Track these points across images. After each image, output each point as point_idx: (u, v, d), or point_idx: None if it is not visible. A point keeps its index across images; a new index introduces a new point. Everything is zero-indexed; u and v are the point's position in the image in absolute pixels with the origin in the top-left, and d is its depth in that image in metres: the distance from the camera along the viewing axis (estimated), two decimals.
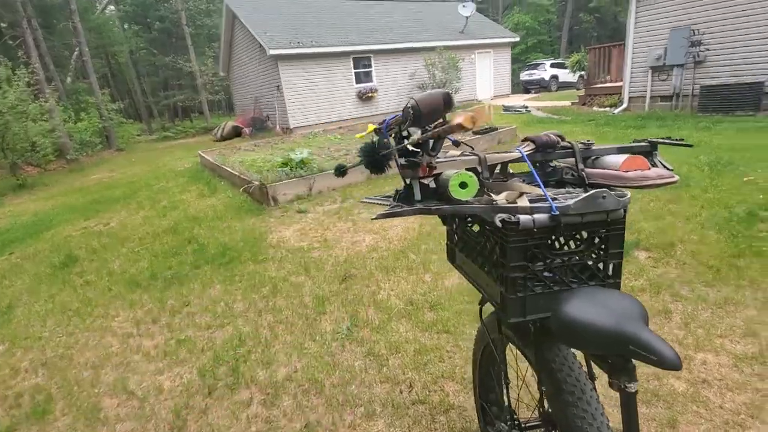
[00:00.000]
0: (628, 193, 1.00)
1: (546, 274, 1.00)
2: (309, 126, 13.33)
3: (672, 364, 0.74)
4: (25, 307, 3.44)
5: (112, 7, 28.68)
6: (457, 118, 0.88)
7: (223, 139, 14.65)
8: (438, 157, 1.04)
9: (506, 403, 1.27)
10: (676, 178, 1.11)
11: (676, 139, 1.25)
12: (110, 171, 11.01)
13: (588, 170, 1.15)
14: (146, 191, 7.39)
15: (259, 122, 14.69)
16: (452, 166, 1.06)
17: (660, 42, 8.89)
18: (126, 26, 29.09)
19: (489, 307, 1.32)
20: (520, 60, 26.34)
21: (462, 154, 1.15)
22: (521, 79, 20.82)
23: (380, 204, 1.15)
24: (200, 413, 2.03)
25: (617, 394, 0.88)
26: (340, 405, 1.94)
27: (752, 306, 2.28)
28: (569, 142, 1.17)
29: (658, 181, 1.09)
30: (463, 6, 16.27)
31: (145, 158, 12.88)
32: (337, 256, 3.60)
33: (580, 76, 15.43)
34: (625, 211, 0.99)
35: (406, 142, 0.98)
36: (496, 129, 7.59)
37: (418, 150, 1.00)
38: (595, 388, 1.03)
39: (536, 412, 1.28)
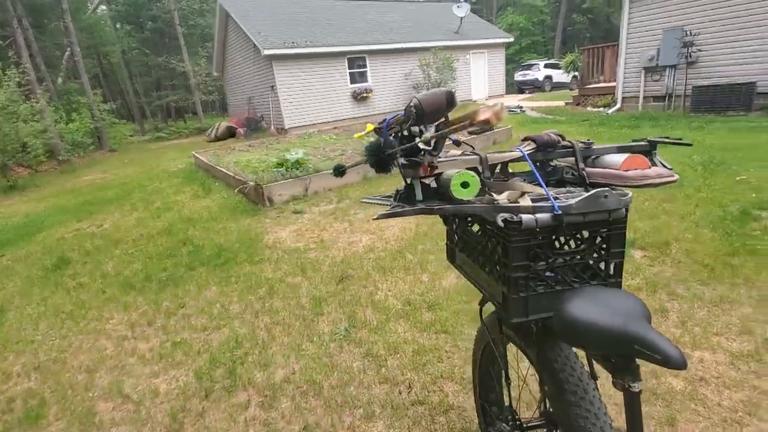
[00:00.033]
0: (630, 192, 1.00)
1: (548, 273, 1.00)
2: (304, 126, 13.29)
3: (677, 364, 0.74)
4: (17, 311, 3.39)
5: (103, 7, 28.41)
6: (483, 113, 0.84)
7: (217, 139, 14.57)
8: (439, 157, 1.04)
9: (508, 403, 1.27)
10: (676, 177, 1.12)
11: (675, 138, 1.25)
12: (103, 172, 10.90)
13: (588, 169, 1.15)
14: (140, 192, 7.33)
15: (253, 123, 14.62)
16: (453, 166, 1.06)
17: (653, 43, 8.97)
18: (118, 26, 28.82)
19: (489, 307, 1.32)
20: (514, 60, 26.45)
21: (463, 154, 1.14)
22: (515, 79, 20.91)
23: (380, 204, 1.14)
24: (197, 416, 2.00)
25: (616, 394, 0.88)
26: (339, 406, 1.93)
27: (747, 304, 2.30)
28: (569, 142, 1.17)
29: (658, 180, 1.09)
30: (458, 6, 16.32)
31: (138, 159, 12.77)
32: (333, 257, 3.58)
33: (574, 77, 15.52)
34: (626, 210, 0.99)
35: (417, 139, 0.96)
36: (492, 129, 7.60)
37: (423, 149, 0.99)
38: (597, 388, 1.03)
39: (537, 411, 1.28)
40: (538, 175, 1.03)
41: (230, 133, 14.68)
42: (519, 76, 20.72)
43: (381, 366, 2.16)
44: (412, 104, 0.91)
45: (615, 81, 10.12)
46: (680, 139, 1.26)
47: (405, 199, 1.05)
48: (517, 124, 9.29)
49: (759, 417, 1.59)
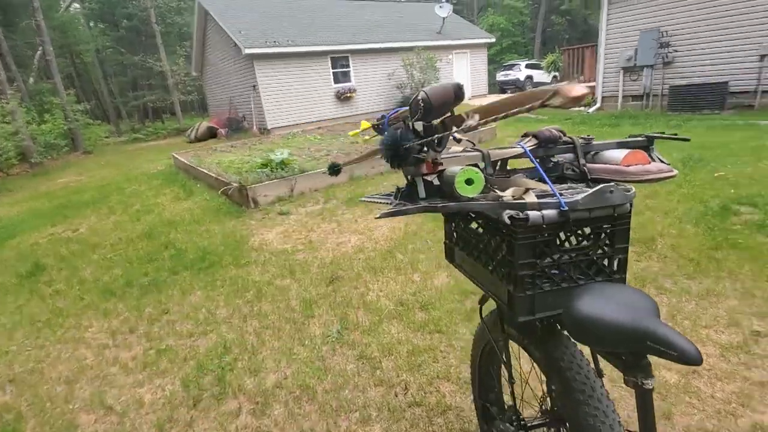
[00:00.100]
0: (633, 187, 0.99)
1: (553, 271, 0.98)
2: (287, 126, 13.14)
3: (693, 359, 0.73)
4: None
5: (76, 5, 27.51)
6: (576, 89, 0.72)
7: (198, 140, 14.26)
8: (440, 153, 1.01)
9: (512, 403, 1.25)
10: (675, 171, 1.12)
11: (672, 134, 1.26)
12: (78, 174, 10.54)
13: (589, 165, 1.14)
14: (117, 195, 7.10)
15: (235, 123, 14.37)
16: (455, 163, 1.03)
17: (630, 43, 9.19)
18: (92, 24, 27.98)
19: (489, 306, 1.30)
20: (496, 61, 26.75)
21: (464, 150, 1.12)
22: (497, 79, 21.13)
23: (380, 202, 1.10)
24: (185, 426, 1.93)
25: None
26: (334, 411, 1.88)
27: (732, 296, 2.35)
28: (570, 138, 1.16)
29: (659, 175, 1.09)
30: (440, 6, 16.39)
31: (115, 161, 12.40)
32: (322, 258, 3.53)
33: (554, 77, 15.80)
34: (631, 205, 0.98)
35: (456, 129, 0.93)
36: (477, 128, 7.65)
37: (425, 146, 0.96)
38: (603, 385, 1.02)
39: (538, 410, 1.27)
40: (542, 171, 1.01)
41: (211, 134, 14.40)
42: (501, 76, 20.95)
43: (375, 368, 2.12)
44: (419, 98, 0.88)
45: (594, 81, 10.33)
46: (676, 134, 1.27)
47: (407, 197, 1.02)
48: (501, 123, 9.37)
49: (752, 408, 1.61)
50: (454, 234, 1.27)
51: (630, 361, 0.85)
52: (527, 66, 20.39)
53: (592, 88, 10.45)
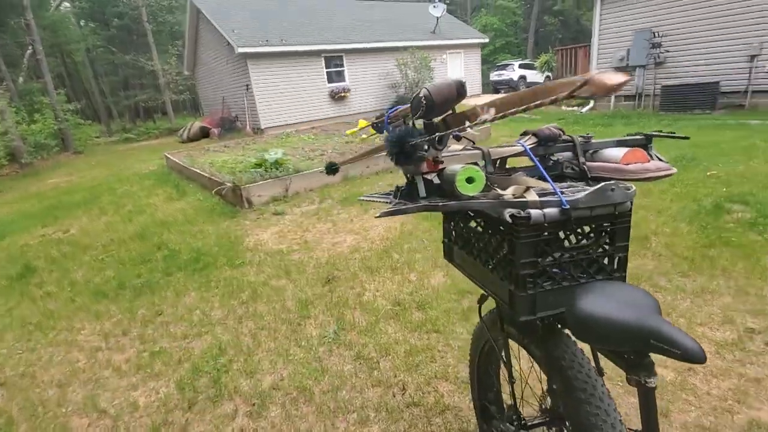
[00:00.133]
0: (633, 186, 0.99)
1: (554, 270, 0.98)
2: (281, 126, 13.08)
3: (697, 357, 0.72)
4: None
5: (67, 4, 27.18)
6: (613, 77, 0.63)
7: (190, 140, 14.14)
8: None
9: (512, 402, 1.25)
10: (674, 170, 1.12)
11: (670, 132, 1.26)
12: (68, 175, 10.40)
13: (588, 163, 1.14)
14: (109, 195, 7.01)
15: (228, 122, 14.28)
16: (454, 161, 1.02)
17: (623, 44, 9.26)
18: (82, 23, 27.66)
19: (488, 305, 1.29)
20: (489, 61, 26.85)
21: (464, 149, 1.11)
22: (491, 79, 21.20)
23: (379, 201, 1.09)
24: (180, 429, 1.90)
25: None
26: (332, 412, 1.87)
27: (726, 294, 2.37)
28: (569, 136, 1.16)
29: (659, 173, 1.09)
30: (434, 6, 16.40)
31: (106, 161, 12.26)
32: (318, 258, 3.51)
33: (547, 77, 15.88)
34: (631, 203, 0.98)
35: (481, 118, 0.88)
36: (471, 127, 7.66)
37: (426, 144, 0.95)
38: (604, 384, 1.01)
39: (538, 409, 1.27)
40: (542, 169, 1.01)
41: (203, 134, 14.28)
42: (494, 76, 21.02)
43: (373, 368, 2.11)
44: (421, 95, 0.87)
45: None
46: (673, 132, 1.27)
47: (407, 195, 1.01)
48: (495, 124, 9.39)
49: (748, 405, 1.63)
50: (453, 233, 1.27)
51: (633, 360, 0.85)
52: (520, 66, 20.48)
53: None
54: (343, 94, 14.27)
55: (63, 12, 26.27)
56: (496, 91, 20.42)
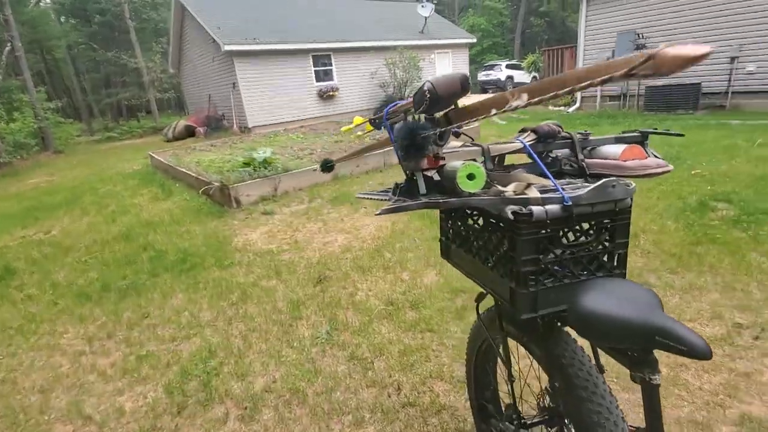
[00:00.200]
0: (633, 182, 0.99)
1: (555, 267, 0.97)
2: (269, 125, 12.95)
3: (703, 353, 0.72)
4: None
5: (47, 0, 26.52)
6: (687, 47, 0.51)
7: (175, 139, 13.91)
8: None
9: (511, 401, 1.24)
10: (671, 167, 1.12)
11: (666, 129, 1.27)
12: (49, 175, 10.12)
13: (587, 160, 1.14)
14: (91, 195, 6.84)
15: (214, 121, 14.07)
16: (454, 157, 1.00)
17: (608, 45, 9.40)
18: (63, 19, 26.98)
19: (486, 303, 1.28)
20: (477, 61, 27.03)
21: (463, 145, 1.10)
22: (479, 79, 21.36)
23: (378, 199, 1.07)
24: None
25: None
26: (326, 414, 1.84)
27: (714, 290, 2.41)
28: (568, 133, 1.15)
29: (658, 170, 1.09)
30: (422, 6, 16.43)
31: (88, 160, 11.97)
32: (309, 258, 3.47)
33: (534, 77, 16.05)
34: (631, 200, 0.97)
35: (512, 105, 0.76)
36: (460, 127, 7.69)
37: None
38: (605, 381, 1.01)
39: (537, 407, 1.26)
40: (543, 166, 1.00)
41: (189, 133, 14.06)
42: (482, 76, 21.18)
43: (367, 369, 2.09)
44: (425, 89, 0.85)
45: None
46: (669, 129, 1.28)
47: (406, 192, 0.99)
48: (484, 122, 9.46)
49: (739, 399, 1.65)
50: (451, 231, 1.25)
51: (637, 357, 0.84)
52: (507, 66, 20.69)
53: None
54: (331, 93, 14.19)
55: (43, 8, 25.59)
56: (484, 91, 20.57)
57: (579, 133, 1.17)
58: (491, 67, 21.25)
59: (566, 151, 1.18)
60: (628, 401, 1.70)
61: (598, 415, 0.93)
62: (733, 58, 7.92)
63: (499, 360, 1.30)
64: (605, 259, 1.01)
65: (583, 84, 0.64)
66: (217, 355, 2.36)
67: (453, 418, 1.73)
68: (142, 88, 22.23)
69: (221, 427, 1.85)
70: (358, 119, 1.35)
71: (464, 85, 0.85)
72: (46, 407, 2.11)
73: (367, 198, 1.09)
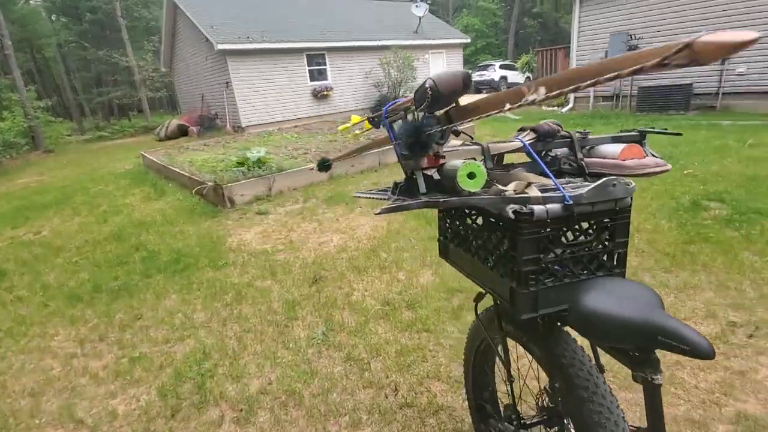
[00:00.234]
0: (632, 181, 0.99)
1: (556, 267, 0.96)
2: (262, 125, 12.87)
3: (706, 353, 0.72)
4: None
5: None
6: (729, 33, 0.46)
7: (168, 138, 13.78)
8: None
9: (510, 401, 1.23)
10: (669, 166, 1.12)
11: (663, 129, 1.27)
12: (39, 174, 9.98)
13: (587, 159, 1.13)
14: (82, 195, 6.75)
15: (207, 121, 13.96)
16: (454, 156, 1.00)
17: (601, 45, 9.47)
18: (53, 18, 26.63)
19: (485, 303, 1.27)
20: (470, 61, 27.11)
21: (463, 144, 1.09)
22: (472, 79, 21.41)
23: (377, 198, 1.06)
24: None
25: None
26: (323, 416, 1.82)
27: (708, 289, 2.43)
28: (567, 132, 1.15)
29: (656, 169, 1.09)
30: (416, 6, 16.43)
31: (79, 160, 11.82)
32: (304, 258, 3.44)
33: (527, 77, 16.12)
34: (631, 199, 0.97)
35: (529, 98, 0.72)
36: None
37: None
38: (605, 381, 1.00)
39: (536, 407, 1.26)
40: (543, 165, 1.00)
41: (181, 132, 13.93)
42: (476, 76, 21.21)
43: (364, 369, 2.07)
44: (427, 86, 0.84)
45: None
46: (666, 129, 1.28)
47: (405, 191, 0.98)
48: (478, 122, 9.46)
49: (734, 397, 1.66)
50: (449, 230, 1.24)
51: (638, 357, 0.84)
52: (501, 66, 20.75)
53: None
54: (325, 93, 14.15)
55: (33, 6, 25.25)
56: (478, 91, 20.59)
57: (578, 132, 1.16)
58: (485, 68, 21.31)
59: (565, 150, 1.18)
60: (626, 400, 1.70)
61: (598, 415, 0.93)
62: (723, 60, 8.00)
63: (497, 360, 1.29)
64: (605, 258, 1.01)
65: (609, 75, 0.58)
66: (211, 356, 2.33)
67: (451, 419, 1.72)
68: (133, 86, 22.02)
69: (216, 430, 1.83)
70: (355, 118, 1.34)
71: (466, 82, 0.84)
72: (36, 411, 2.07)
73: (366, 197, 1.08)
